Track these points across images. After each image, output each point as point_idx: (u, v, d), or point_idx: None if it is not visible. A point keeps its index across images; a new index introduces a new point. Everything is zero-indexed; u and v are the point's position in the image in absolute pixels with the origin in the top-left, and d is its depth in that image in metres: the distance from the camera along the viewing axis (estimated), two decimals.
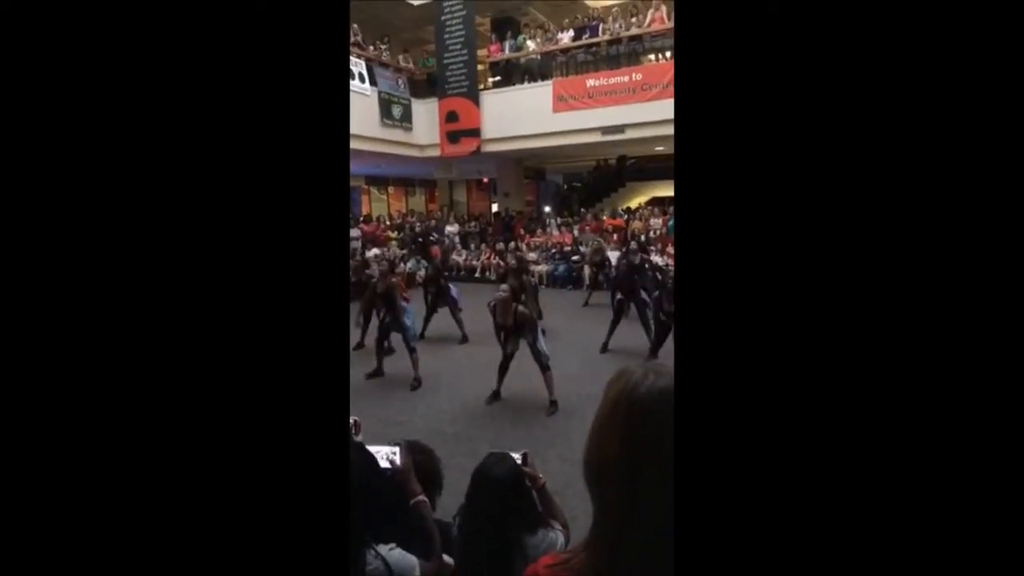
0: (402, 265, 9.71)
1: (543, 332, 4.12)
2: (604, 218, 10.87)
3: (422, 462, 1.45)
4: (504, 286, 4.15)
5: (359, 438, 1.63)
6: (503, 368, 4.17)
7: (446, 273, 6.39)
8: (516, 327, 3.97)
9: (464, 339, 5.96)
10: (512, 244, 10.13)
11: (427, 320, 6.18)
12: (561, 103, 9.47)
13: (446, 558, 1.35)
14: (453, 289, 6.12)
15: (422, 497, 1.30)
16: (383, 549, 1.12)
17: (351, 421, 1.63)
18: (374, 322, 5.01)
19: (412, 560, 1.16)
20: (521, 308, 4.01)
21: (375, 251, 9.42)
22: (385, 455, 1.22)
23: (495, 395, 4.23)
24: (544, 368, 3.98)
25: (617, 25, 9.49)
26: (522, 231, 11.26)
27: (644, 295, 5.38)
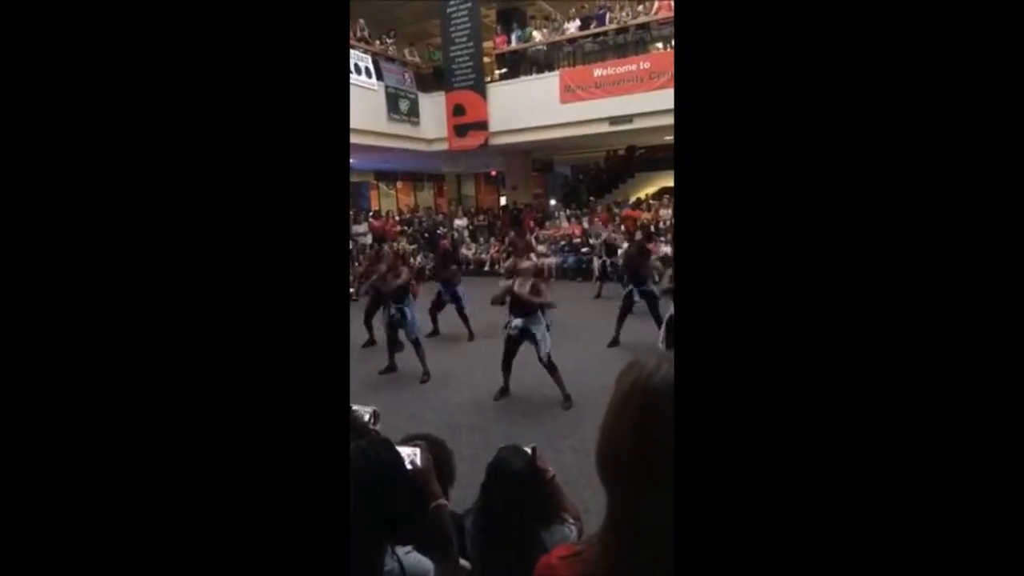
0: (412, 260, 9.77)
1: (548, 328, 4.09)
2: (626, 210, 10.76)
3: (434, 454, 1.45)
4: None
5: (376, 427, 1.63)
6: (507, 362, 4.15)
7: (454, 266, 6.31)
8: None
9: (471, 336, 5.94)
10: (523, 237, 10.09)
11: (434, 315, 6.15)
12: (568, 94, 9.41)
13: (462, 562, 1.36)
14: (459, 287, 6.06)
15: (442, 500, 1.30)
16: (400, 551, 1.12)
17: (371, 411, 1.64)
18: (379, 317, 5.03)
19: (428, 565, 1.16)
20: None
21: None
22: (406, 456, 1.21)
23: (503, 390, 4.24)
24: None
25: (624, 13, 9.40)
26: (532, 223, 11.24)
27: (653, 287, 5.35)
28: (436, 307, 6.13)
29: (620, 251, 8.37)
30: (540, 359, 3.98)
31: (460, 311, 6.00)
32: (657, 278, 5.31)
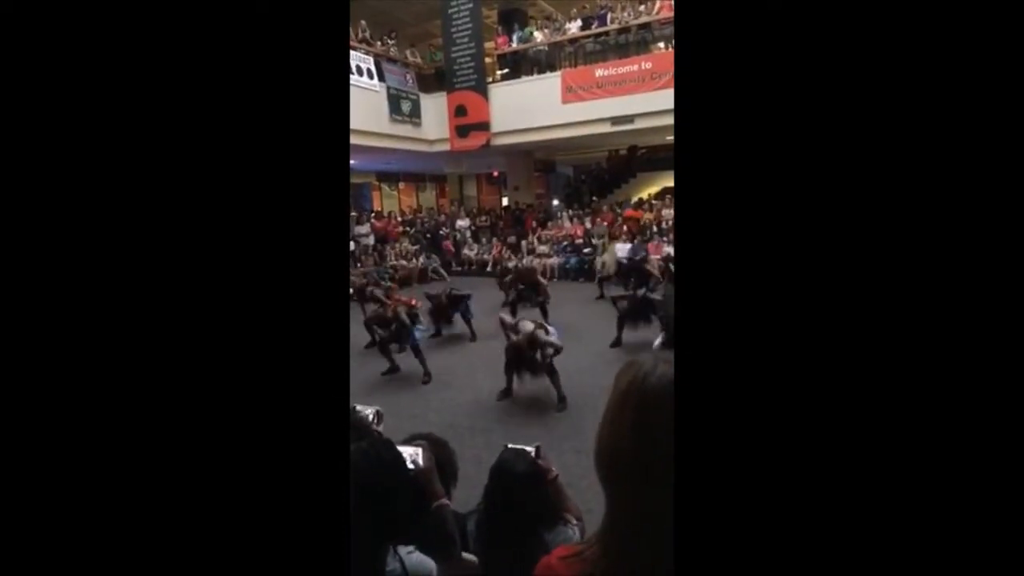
0: (415, 261, 9.78)
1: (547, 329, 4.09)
2: (628, 210, 10.73)
3: (436, 454, 1.45)
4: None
5: (380, 427, 1.63)
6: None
7: (465, 298, 6.23)
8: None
9: (473, 337, 5.94)
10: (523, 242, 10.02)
11: (437, 329, 6.14)
12: (570, 94, 9.40)
13: (467, 556, 1.35)
14: (467, 293, 6.05)
15: (444, 500, 1.30)
16: (402, 551, 1.12)
17: (374, 411, 1.64)
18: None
19: (430, 565, 1.16)
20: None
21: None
22: (408, 456, 1.21)
23: (505, 392, 4.23)
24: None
25: (626, 13, 9.39)
26: (534, 224, 11.23)
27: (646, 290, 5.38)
28: (439, 313, 6.13)
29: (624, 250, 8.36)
30: (544, 361, 3.98)
31: (466, 318, 6.01)
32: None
